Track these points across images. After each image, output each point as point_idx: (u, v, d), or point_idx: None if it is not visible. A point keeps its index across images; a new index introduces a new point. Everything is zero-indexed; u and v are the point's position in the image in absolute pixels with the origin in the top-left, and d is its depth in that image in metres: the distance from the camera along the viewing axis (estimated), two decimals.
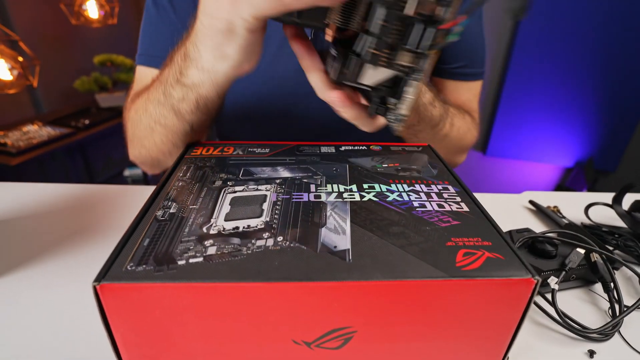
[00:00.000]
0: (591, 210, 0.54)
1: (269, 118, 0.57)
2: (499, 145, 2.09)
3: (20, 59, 1.38)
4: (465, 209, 0.29)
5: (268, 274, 0.22)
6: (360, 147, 0.39)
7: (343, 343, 0.24)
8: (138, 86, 0.50)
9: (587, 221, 0.53)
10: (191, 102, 0.35)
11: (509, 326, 0.25)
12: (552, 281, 0.38)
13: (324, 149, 0.39)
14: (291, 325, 0.23)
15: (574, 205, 0.57)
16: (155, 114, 0.39)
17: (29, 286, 0.40)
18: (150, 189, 0.33)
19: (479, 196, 0.60)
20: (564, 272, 0.39)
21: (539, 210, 0.57)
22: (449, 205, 0.30)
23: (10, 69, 1.34)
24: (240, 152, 0.37)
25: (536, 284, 0.23)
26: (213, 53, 0.29)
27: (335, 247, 0.24)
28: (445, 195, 0.31)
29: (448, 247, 0.25)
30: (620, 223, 0.50)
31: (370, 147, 0.40)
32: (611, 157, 1.95)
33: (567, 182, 2.09)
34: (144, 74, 0.51)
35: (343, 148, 0.39)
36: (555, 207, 0.57)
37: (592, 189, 1.90)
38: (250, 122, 0.58)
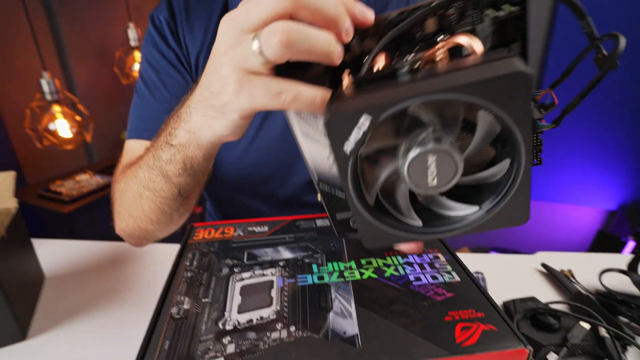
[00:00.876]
0: (609, 275, 0.50)
1: (255, 184, 0.60)
2: (537, 187, 1.89)
3: (78, 118, 1.54)
4: (457, 278, 0.32)
5: None
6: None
7: None
8: (126, 159, 0.51)
9: (602, 288, 0.50)
10: (178, 163, 0.36)
11: None
12: (552, 357, 0.36)
13: (319, 222, 0.41)
14: None
15: (590, 268, 0.53)
16: (144, 179, 0.40)
17: (71, 343, 0.44)
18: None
19: (492, 256, 0.61)
20: (565, 348, 0.36)
21: (551, 274, 0.55)
22: (442, 275, 0.32)
23: (70, 128, 1.50)
24: (241, 233, 0.39)
25: (529, 354, 0.25)
26: (202, 120, 0.32)
27: (344, 332, 0.26)
28: (437, 265, 0.34)
29: (447, 322, 0.27)
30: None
31: None
32: None
33: (610, 227, 1.91)
34: (132, 147, 0.53)
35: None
36: (569, 270, 0.54)
37: (638, 234, 1.70)
38: (239, 189, 0.61)
